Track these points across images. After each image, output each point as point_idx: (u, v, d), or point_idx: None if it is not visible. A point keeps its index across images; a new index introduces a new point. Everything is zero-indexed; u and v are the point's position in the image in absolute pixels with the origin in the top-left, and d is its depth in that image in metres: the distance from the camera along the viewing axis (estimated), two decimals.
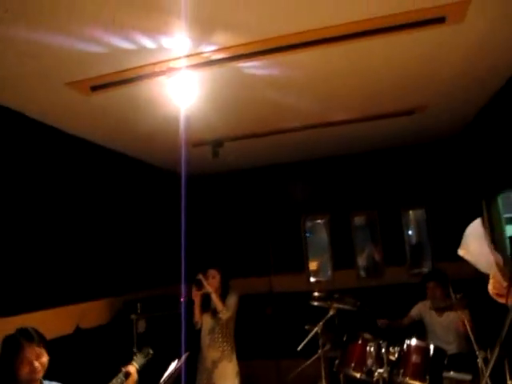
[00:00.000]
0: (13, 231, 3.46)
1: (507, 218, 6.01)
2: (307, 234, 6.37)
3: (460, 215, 5.37)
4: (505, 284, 1.73)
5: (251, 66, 3.18)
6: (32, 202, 3.72)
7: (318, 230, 6.54)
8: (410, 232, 6.25)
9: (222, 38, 2.76)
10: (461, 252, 1.93)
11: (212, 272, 4.27)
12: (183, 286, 4.49)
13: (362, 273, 6.18)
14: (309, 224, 6.45)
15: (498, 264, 1.78)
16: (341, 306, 3.71)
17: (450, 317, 4.09)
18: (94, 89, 3.34)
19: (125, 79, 3.20)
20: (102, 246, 4.57)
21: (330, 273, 6.19)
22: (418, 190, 5.95)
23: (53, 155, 4.04)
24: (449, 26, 2.88)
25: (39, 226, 3.75)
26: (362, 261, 6.22)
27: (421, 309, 4.47)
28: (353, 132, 5.14)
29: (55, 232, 3.93)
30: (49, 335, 2.59)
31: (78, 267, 4.15)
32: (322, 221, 6.39)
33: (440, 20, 2.81)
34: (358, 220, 6.27)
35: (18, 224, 3.52)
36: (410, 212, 6.24)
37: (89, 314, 4.17)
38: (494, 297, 1.82)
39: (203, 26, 2.61)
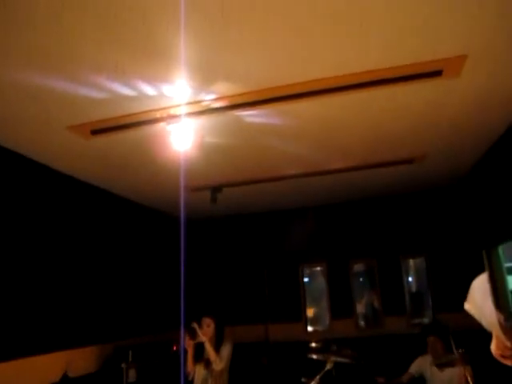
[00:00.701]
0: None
1: (509, 268, 5.93)
2: (305, 280, 6.27)
3: (461, 265, 5.31)
4: (509, 345, 1.65)
5: (250, 115, 3.21)
6: (27, 244, 3.66)
7: (316, 277, 6.45)
8: (409, 280, 6.16)
9: (222, 87, 2.80)
10: (466, 306, 1.85)
11: (207, 320, 4.13)
12: (182, 333, 4.35)
13: (361, 322, 6.04)
14: (307, 271, 6.37)
15: (500, 323, 1.70)
16: (338, 359, 3.57)
17: (452, 372, 3.94)
18: (95, 133, 3.36)
19: (125, 124, 3.22)
20: (94, 289, 4.48)
21: (328, 322, 6.05)
22: (418, 238, 5.90)
23: (51, 196, 4.02)
24: (446, 80, 2.94)
25: (27, 267, 3.68)
26: (360, 310, 6.09)
27: (421, 365, 4.31)
28: (351, 179, 5.15)
29: (43, 273, 3.85)
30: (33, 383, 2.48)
31: (66, 311, 4.05)
32: (320, 268, 6.30)
33: (437, 73, 2.86)
34: (357, 268, 6.19)
35: (6, 267, 3.46)
36: (410, 260, 6.17)
37: (77, 361, 4.03)
38: (498, 358, 1.73)
39: (204, 75, 2.65)
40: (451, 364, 3.64)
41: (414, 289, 6.20)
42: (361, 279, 6.20)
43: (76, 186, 4.37)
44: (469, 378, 3.38)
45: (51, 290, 3.89)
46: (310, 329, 6.14)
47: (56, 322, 3.88)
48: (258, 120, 3.32)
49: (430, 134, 3.93)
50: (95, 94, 2.79)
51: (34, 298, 3.67)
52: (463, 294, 1.96)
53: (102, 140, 3.50)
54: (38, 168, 3.87)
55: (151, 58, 2.44)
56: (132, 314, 5.10)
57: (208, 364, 3.98)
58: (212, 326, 4.12)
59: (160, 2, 2.01)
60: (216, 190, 4.70)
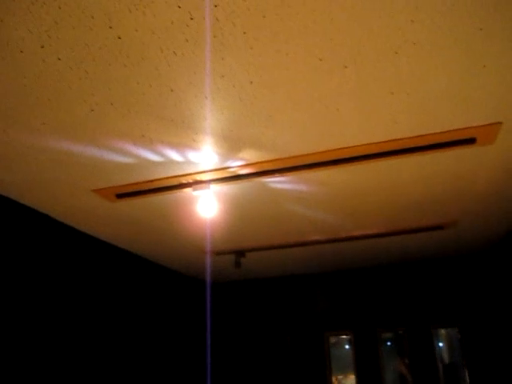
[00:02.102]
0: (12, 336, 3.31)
1: None
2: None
3: (498, 337, 4.99)
4: None
5: (276, 181, 3.16)
6: (51, 304, 3.59)
7: (342, 344, 6.15)
8: (442, 352, 5.81)
9: (248, 154, 2.77)
10: None
11: None
12: None
13: None
14: (332, 340, 6.08)
15: None
16: None
17: None
18: (120, 196, 3.35)
19: (150, 189, 3.21)
20: (114, 355, 4.33)
21: None
22: (450, 306, 5.62)
23: (76, 257, 3.99)
24: (479, 147, 2.86)
25: (49, 327, 3.59)
26: (389, 381, 5.73)
27: None
28: (378, 245, 5.01)
29: (63, 336, 3.75)
30: None
31: (85, 378, 3.89)
32: (347, 336, 6.02)
33: (470, 141, 2.79)
34: (385, 337, 5.88)
35: (18, 328, 3.38)
36: (442, 330, 5.85)
37: None
38: None
39: (230, 143, 2.63)
40: None
41: (447, 360, 5.84)
42: (388, 345, 5.87)
43: (101, 248, 4.34)
44: None
45: (69, 351, 3.77)
46: None
47: None
48: (283, 186, 3.27)
49: (462, 200, 3.81)
50: (121, 159, 2.80)
51: (54, 361, 3.55)
52: (502, 368, 1.78)
53: (127, 203, 3.49)
54: (64, 229, 3.87)
55: (178, 127, 2.44)
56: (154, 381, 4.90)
57: None
58: None
59: (187, 72, 2.02)
60: (240, 254, 4.61)
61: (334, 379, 5.85)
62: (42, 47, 1.84)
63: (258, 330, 6.20)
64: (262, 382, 5.87)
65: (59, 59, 1.91)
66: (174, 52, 1.89)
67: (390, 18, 1.78)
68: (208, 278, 5.14)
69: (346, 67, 2.06)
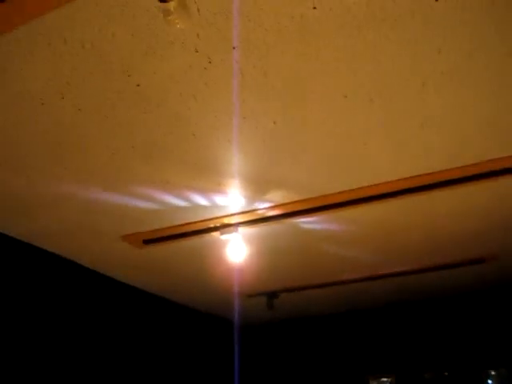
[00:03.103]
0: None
1: None
2: None
3: None
4: None
5: (306, 222, 3.06)
6: (80, 350, 3.53)
7: None
8: None
9: (276, 196, 2.70)
10: None
11: None
12: None
13: None
14: (373, 383, 5.76)
15: None
16: None
17: None
18: (147, 242, 3.30)
19: (177, 234, 3.15)
20: None
21: None
22: (501, 345, 5.25)
23: (102, 302, 3.94)
24: None
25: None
26: None
27: None
28: (417, 281, 4.77)
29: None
30: None
31: None
32: (388, 379, 5.69)
33: (508, 171, 2.64)
34: (432, 380, 5.53)
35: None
36: (492, 372, 5.46)
37: None
38: None
39: (257, 185, 2.56)
40: None
41: None
42: None
43: (129, 292, 4.28)
44: None
45: None
46: None
47: None
48: (313, 226, 3.16)
49: (501, 232, 3.61)
50: (146, 204, 2.76)
51: None
52: None
53: (154, 249, 3.43)
54: (91, 275, 3.83)
55: (202, 171, 2.39)
56: None
57: None
58: None
59: (209, 116, 1.98)
60: (272, 296, 4.47)
61: None
62: (63, 98, 1.83)
63: (291, 373, 5.94)
64: None
65: (80, 110, 1.91)
66: (194, 96, 1.86)
67: (415, 48, 1.71)
68: (237, 321, 4.99)
69: (371, 101, 1.98)
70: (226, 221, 2.95)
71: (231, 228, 2.95)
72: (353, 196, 2.71)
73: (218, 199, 2.70)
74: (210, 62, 1.69)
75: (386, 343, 5.69)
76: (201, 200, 2.71)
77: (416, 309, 5.69)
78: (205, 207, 2.81)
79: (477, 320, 5.42)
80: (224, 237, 2.97)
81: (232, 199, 2.71)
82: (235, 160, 2.29)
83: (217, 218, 2.92)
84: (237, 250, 3.04)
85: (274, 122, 2.04)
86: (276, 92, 1.86)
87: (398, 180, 2.60)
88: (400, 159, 2.42)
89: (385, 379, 5.74)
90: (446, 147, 2.36)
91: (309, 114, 2.01)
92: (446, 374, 5.40)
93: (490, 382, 5.33)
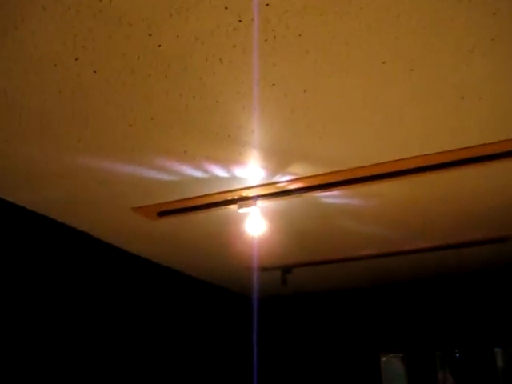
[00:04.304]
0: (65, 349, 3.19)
1: None
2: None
3: None
4: None
5: (328, 196, 2.93)
6: (93, 321, 3.48)
7: (395, 363, 5.76)
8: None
9: (299, 169, 2.56)
10: None
11: None
12: None
13: None
14: (383, 359, 5.72)
15: None
16: None
17: None
18: (162, 214, 3.19)
19: (193, 206, 3.03)
20: (154, 373, 4.17)
21: None
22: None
23: (116, 274, 3.87)
24: None
25: (87, 349, 3.47)
26: None
27: None
28: (435, 258, 4.66)
29: (106, 353, 3.62)
30: None
31: None
32: (400, 355, 5.64)
33: None
34: (444, 358, 5.47)
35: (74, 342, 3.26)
36: (502, 350, 5.38)
37: None
38: None
39: (279, 157, 2.42)
40: None
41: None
42: (447, 373, 5.46)
43: (143, 265, 4.21)
44: None
45: (115, 370, 3.64)
46: None
47: None
48: (335, 201, 3.03)
49: None
50: (163, 176, 2.64)
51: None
52: None
53: (169, 221, 3.33)
54: (104, 247, 3.76)
55: (223, 141, 2.25)
56: None
57: None
58: None
59: (235, 81, 1.83)
60: (286, 271, 4.38)
61: None
62: (77, 59, 1.68)
63: (304, 346, 5.92)
64: None
65: (95, 72, 1.76)
66: (220, 59, 1.70)
67: (468, 12, 1.54)
68: (255, 294, 4.94)
69: (412, 70, 1.82)
70: (245, 193, 2.82)
71: (250, 201, 2.83)
72: (381, 170, 2.56)
73: (238, 171, 2.57)
74: (239, 21, 1.53)
75: (399, 320, 5.63)
76: (219, 171, 2.58)
77: (429, 286, 5.60)
78: (223, 179, 2.68)
79: (491, 299, 5.33)
80: (242, 210, 2.85)
81: (252, 171, 2.57)
82: (259, 130, 2.14)
83: (235, 190, 2.80)
84: (255, 224, 2.93)
85: (305, 90, 1.89)
86: (310, 56, 1.70)
87: (430, 155, 2.45)
88: (435, 132, 2.26)
89: (393, 354, 5.71)
90: (485, 121, 2.20)
91: (343, 81, 1.85)
92: (457, 351, 5.35)
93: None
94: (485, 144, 2.38)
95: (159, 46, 1.64)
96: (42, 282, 3.15)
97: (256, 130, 2.13)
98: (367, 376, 5.54)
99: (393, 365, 5.71)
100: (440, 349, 5.38)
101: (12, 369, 2.80)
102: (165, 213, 3.17)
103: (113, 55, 1.67)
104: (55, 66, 1.72)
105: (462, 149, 2.39)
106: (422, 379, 5.33)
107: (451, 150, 2.41)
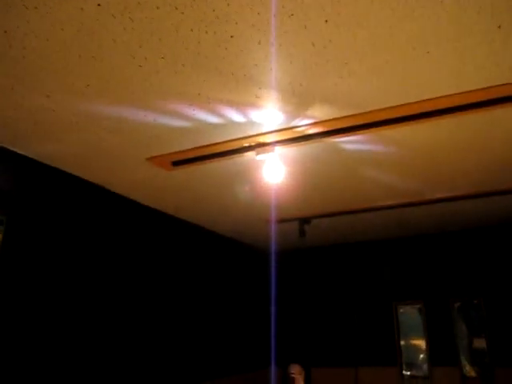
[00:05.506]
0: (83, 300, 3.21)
1: None
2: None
3: None
4: None
5: (348, 141, 2.80)
6: (112, 274, 3.48)
7: (412, 313, 5.77)
8: None
9: (319, 111, 2.42)
10: None
11: (297, 368, 3.87)
12: (272, 370, 4.09)
13: (468, 371, 5.28)
14: (401, 309, 5.71)
15: None
16: None
17: None
18: (176, 164, 3.11)
19: (209, 154, 2.94)
20: (179, 327, 4.21)
21: (426, 367, 5.36)
22: None
23: (132, 227, 3.84)
24: None
25: (110, 297, 3.49)
26: (466, 357, 5.32)
27: None
28: (455, 209, 4.54)
29: (126, 308, 3.64)
30: None
31: (154, 349, 3.80)
32: (417, 306, 5.63)
33: None
34: (461, 308, 5.45)
35: (93, 294, 3.28)
36: None
37: None
38: None
39: (298, 99, 2.28)
40: None
41: None
42: (466, 321, 5.44)
43: (159, 218, 4.18)
44: None
45: (131, 325, 3.67)
46: (405, 373, 5.49)
47: (140, 362, 3.64)
48: (357, 147, 2.90)
49: None
50: (176, 122, 2.53)
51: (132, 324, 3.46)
52: None
53: (184, 171, 3.25)
54: (120, 200, 3.71)
55: (239, 82, 2.12)
56: (218, 353, 4.79)
57: None
58: (303, 374, 3.87)
59: (250, 13, 1.68)
60: (304, 222, 4.30)
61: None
62: None
63: (323, 299, 5.94)
64: (329, 356, 5.66)
65: (99, 5, 1.63)
66: None
67: None
68: (273, 247, 4.90)
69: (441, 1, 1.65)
70: (262, 140, 2.70)
71: (267, 147, 2.71)
72: (406, 112, 2.41)
73: (255, 115, 2.44)
74: None
75: (415, 270, 5.59)
76: (235, 116, 2.46)
77: (450, 237, 5.52)
78: (239, 125, 2.56)
79: (509, 250, 5.24)
80: (260, 157, 2.75)
81: (270, 115, 2.45)
82: (277, 68, 2.00)
83: (252, 136, 2.68)
84: (273, 171, 2.82)
85: (326, 21, 1.73)
86: None
87: (460, 94, 2.29)
88: (466, 70, 2.09)
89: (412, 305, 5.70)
90: None
91: (368, 10, 1.68)
92: (475, 301, 5.30)
93: None
94: None
95: None
96: (57, 236, 3.13)
97: (273, 68, 1.99)
98: (385, 326, 5.56)
99: (411, 315, 5.71)
100: (458, 299, 5.35)
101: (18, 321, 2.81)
102: (180, 162, 3.08)
103: None
104: None
105: (494, 87, 2.22)
106: (439, 329, 5.32)
107: (482, 89, 2.24)
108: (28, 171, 2.97)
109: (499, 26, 1.82)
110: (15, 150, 2.84)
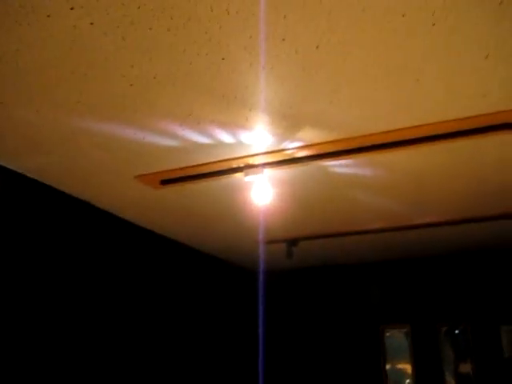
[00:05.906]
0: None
1: None
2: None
3: None
4: None
5: (337, 165, 2.82)
6: (94, 292, 3.43)
7: (399, 337, 5.74)
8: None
9: (308, 135, 2.43)
10: None
11: None
12: None
13: None
14: (387, 333, 5.69)
15: None
16: None
17: None
18: (165, 182, 3.09)
19: (198, 174, 2.93)
20: (160, 348, 4.15)
21: None
22: None
23: (118, 245, 3.80)
24: None
25: (91, 321, 3.42)
26: (451, 382, 5.30)
27: None
28: (443, 234, 4.56)
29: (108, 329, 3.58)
30: None
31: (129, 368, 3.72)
32: (404, 329, 5.61)
33: None
34: (448, 332, 5.43)
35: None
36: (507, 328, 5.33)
37: None
38: None
39: (288, 121, 2.30)
40: None
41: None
42: (451, 346, 5.43)
43: (145, 237, 4.14)
44: None
45: (119, 338, 3.60)
46: None
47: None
48: (344, 171, 2.92)
49: None
50: (166, 142, 2.53)
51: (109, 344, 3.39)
52: None
53: (172, 190, 3.23)
54: (106, 217, 3.68)
55: (229, 103, 2.13)
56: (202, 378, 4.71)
57: None
58: None
59: (242, 36, 1.70)
60: (292, 243, 4.29)
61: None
62: (72, 9, 1.55)
63: (308, 321, 5.90)
64: (317, 371, 5.60)
65: (92, 24, 1.63)
66: (227, 10, 1.57)
67: None
68: (260, 267, 4.88)
69: (433, 25, 1.68)
70: (251, 161, 2.71)
71: (256, 169, 2.72)
72: (395, 137, 2.44)
73: (244, 136, 2.45)
74: None
75: (402, 294, 5.59)
76: (225, 136, 2.46)
77: (437, 261, 5.54)
78: (229, 145, 2.56)
79: (499, 276, 5.27)
80: (248, 178, 2.75)
81: (259, 137, 2.46)
82: (268, 90, 2.02)
83: (241, 157, 2.68)
84: (261, 193, 2.82)
85: (317, 47, 1.75)
86: (323, 8, 1.56)
87: (448, 121, 2.32)
88: (455, 97, 2.13)
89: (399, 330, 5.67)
90: (509, 85, 2.06)
91: (358, 37, 1.71)
92: (463, 326, 5.30)
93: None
94: (510, 110, 2.24)
95: None
96: (42, 252, 3.08)
97: (264, 90, 2.00)
98: (371, 350, 5.52)
99: (397, 339, 5.68)
100: (445, 324, 5.34)
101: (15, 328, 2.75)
102: (168, 181, 3.07)
103: (111, 4, 1.54)
104: (49, 16, 1.60)
105: (482, 115, 2.26)
106: (426, 354, 5.30)
107: (470, 117, 2.28)
108: (15, 186, 2.93)
109: (486, 56, 1.85)
110: (2, 163, 2.81)
